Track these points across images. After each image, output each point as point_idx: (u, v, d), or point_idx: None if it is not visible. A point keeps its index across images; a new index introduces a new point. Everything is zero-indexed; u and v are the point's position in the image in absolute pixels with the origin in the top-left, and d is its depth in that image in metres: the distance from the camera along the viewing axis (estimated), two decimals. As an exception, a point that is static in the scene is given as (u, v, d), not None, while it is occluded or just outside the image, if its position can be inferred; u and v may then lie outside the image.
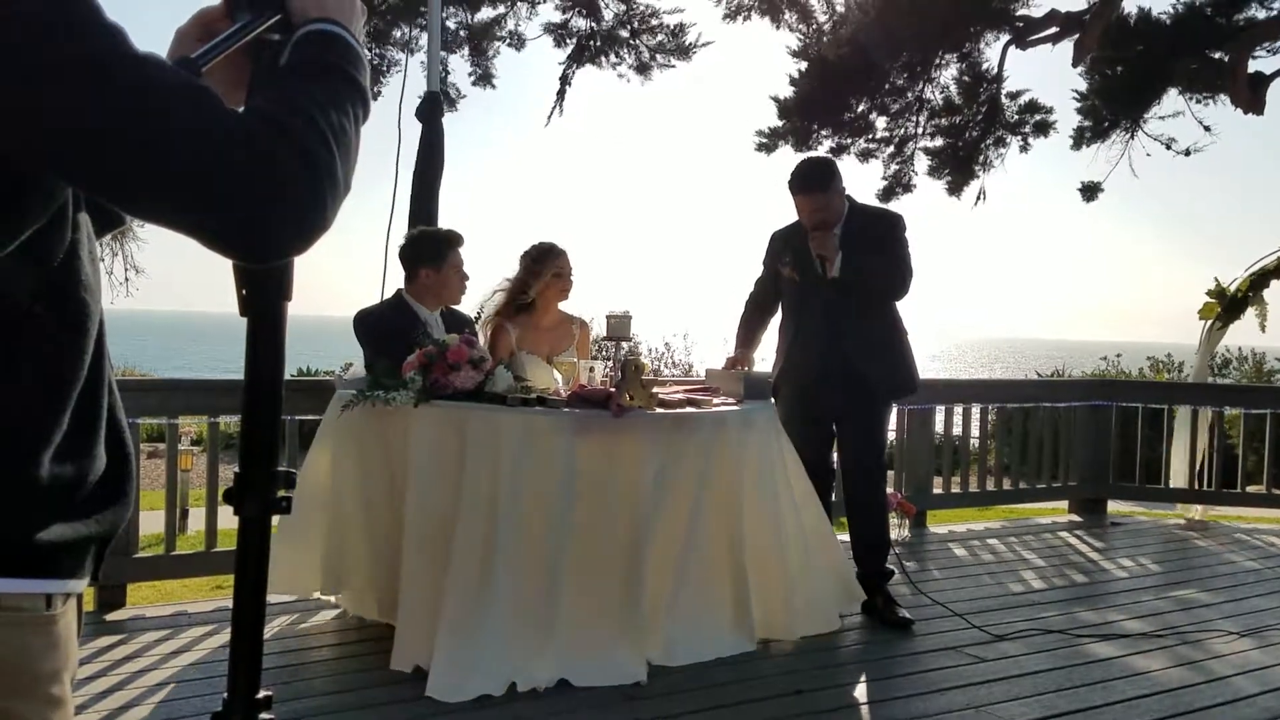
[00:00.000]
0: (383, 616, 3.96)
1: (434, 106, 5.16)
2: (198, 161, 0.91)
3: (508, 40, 10.04)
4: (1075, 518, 7.13)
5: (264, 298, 1.16)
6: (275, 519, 1.18)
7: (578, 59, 10.24)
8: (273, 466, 1.15)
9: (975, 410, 7.10)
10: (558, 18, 10.13)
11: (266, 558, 1.16)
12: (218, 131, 0.93)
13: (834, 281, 4.39)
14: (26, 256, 0.96)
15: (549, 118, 10.50)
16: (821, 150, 10.32)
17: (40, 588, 1.01)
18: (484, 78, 10.16)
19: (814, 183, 4.48)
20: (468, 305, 4.50)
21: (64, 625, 1.05)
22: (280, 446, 1.21)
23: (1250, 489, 7.51)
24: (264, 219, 0.95)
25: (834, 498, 4.82)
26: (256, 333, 1.16)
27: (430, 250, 4.25)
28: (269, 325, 1.17)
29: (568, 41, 10.19)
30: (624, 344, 4.37)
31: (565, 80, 10.37)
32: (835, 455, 4.73)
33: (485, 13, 9.98)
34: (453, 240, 4.31)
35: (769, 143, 10.23)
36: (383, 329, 4.13)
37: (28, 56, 0.87)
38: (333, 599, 4.29)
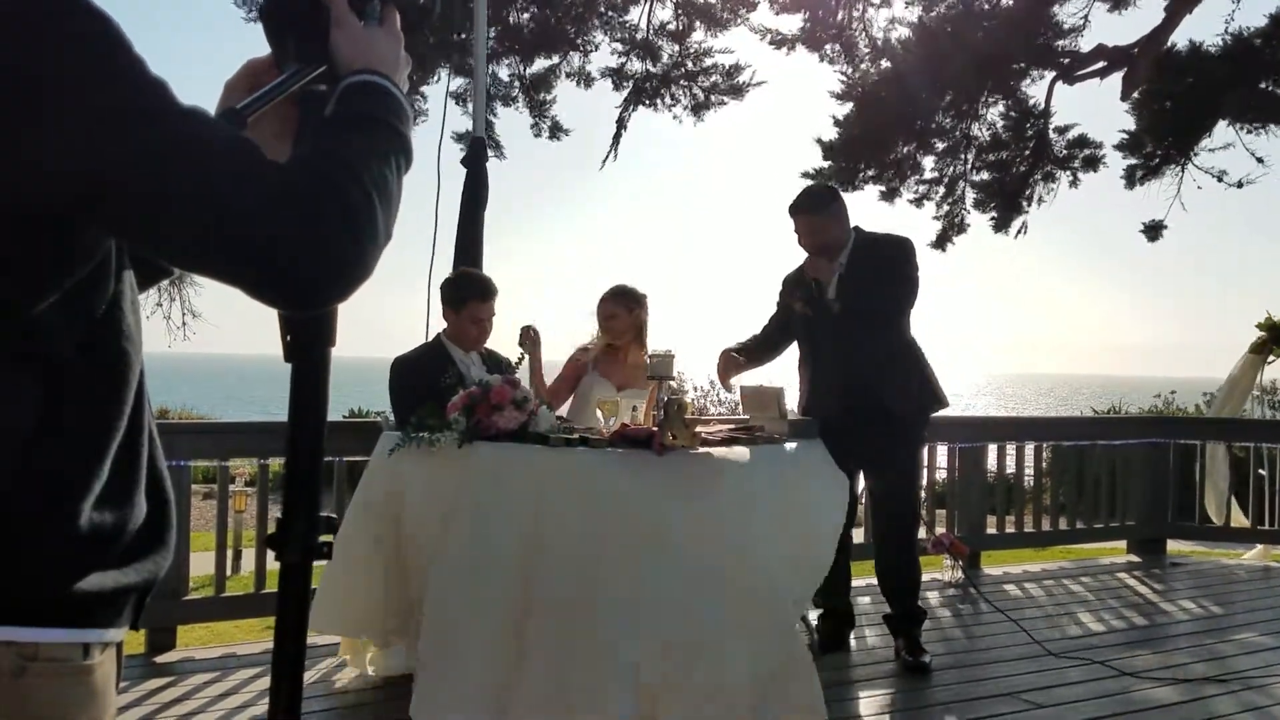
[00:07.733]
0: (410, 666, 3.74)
1: (479, 152, 5.22)
2: (239, 214, 0.92)
3: (576, 80, 10.15)
4: (1134, 558, 6.97)
5: (308, 344, 1.17)
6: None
7: (634, 102, 10.32)
8: (314, 512, 1.15)
9: (1029, 448, 6.98)
10: (613, 62, 10.26)
11: (308, 603, 1.16)
12: (259, 184, 0.94)
13: (835, 305, 4.32)
14: (69, 308, 0.97)
15: (604, 161, 10.59)
16: (870, 190, 10.29)
17: (78, 637, 1.00)
18: (554, 129, 10.28)
19: (808, 205, 4.44)
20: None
21: (101, 675, 1.03)
22: (325, 490, 1.21)
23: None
24: (305, 268, 0.96)
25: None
26: (300, 378, 1.17)
27: (448, 294, 4.25)
28: (313, 371, 1.17)
29: (624, 85, 10.28)
30: (668, 382, 4.36)
31: (621, 124, 10.45)
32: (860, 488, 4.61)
33: (540, 64, 10.12)
34: (475, 290, 4.24)
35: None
36: (413, 380, 4.07)
37: (74, 112, 0.88)
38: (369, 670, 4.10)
